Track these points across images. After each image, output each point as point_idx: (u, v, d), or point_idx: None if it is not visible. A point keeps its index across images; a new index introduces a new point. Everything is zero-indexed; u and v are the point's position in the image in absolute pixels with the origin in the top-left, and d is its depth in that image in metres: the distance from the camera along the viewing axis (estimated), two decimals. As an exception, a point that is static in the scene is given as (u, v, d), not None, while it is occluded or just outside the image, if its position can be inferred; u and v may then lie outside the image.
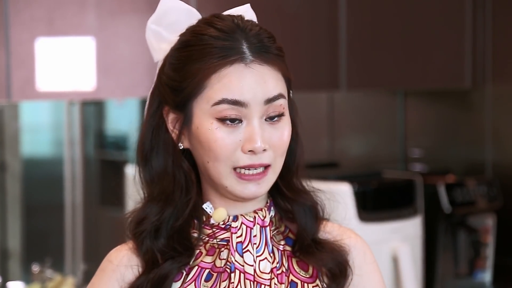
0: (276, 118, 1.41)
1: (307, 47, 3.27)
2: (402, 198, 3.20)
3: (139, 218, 1.44)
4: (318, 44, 3.29)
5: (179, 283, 1.43)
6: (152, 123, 1.45)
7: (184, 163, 1.44)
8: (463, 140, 3.60)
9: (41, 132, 3.91)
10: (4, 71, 2.70)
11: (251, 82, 1.39)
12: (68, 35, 2.79)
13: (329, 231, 1.48)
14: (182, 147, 1.44)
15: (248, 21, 1.45)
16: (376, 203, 3.14)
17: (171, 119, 1.44)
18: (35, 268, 3.06)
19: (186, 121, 1.42)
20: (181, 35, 1.45)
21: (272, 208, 1.48)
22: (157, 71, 1.48)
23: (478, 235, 3.32)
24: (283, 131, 1.42)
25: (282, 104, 1.41)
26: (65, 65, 2.81)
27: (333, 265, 1.45)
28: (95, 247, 3.58)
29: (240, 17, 1.45)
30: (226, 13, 1.48)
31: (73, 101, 3.57)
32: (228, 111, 1.38)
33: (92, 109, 3.77)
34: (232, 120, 1.39)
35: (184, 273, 1.43)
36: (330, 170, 3.39)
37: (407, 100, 3.77)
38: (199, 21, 1.46)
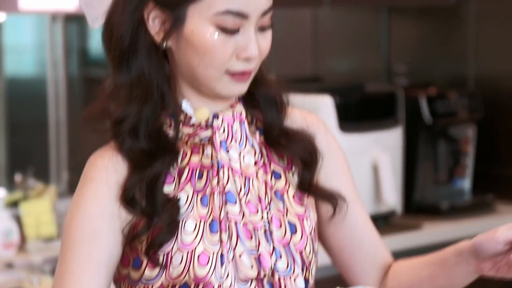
0: (266, 29, 1.43)
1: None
2: (383, 109, 3.21)
3: (118, 119, 1.42)
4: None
5: (172, 185, 1.42)
6: (131, 22, 1.40)
7: (166, 65, 1.43)
8: (446, 55, 3.61)
9: (24, 52, 3.90)
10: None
11: None
12: None
13: (294, 120, 1.51)
14: (164, 47, 1.41)
15: None
16: (358, 114, 3.15)
17: (156, 18, 1.40)
18: (18, 177, 3.08)
19: (176, 23, 1.39)
20: None
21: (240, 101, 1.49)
22: None
23: (458, 144, 3.35)
24: (269, 40, 1.44)
25: (270, 15, 1.43)
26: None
27: (305, 154, 1.49)
28: (81, 158, 3.60)
29: None
30: None
31: (56, 16, 3.55)
32: (230, 21, 1.38)
33: (75, 27, 3.76)
34: (232, 30, 1.39)
35: (176, 175, 1.43)
36: (313, 84, 3.39)
37: (391, 17, 3.76)
38: None
